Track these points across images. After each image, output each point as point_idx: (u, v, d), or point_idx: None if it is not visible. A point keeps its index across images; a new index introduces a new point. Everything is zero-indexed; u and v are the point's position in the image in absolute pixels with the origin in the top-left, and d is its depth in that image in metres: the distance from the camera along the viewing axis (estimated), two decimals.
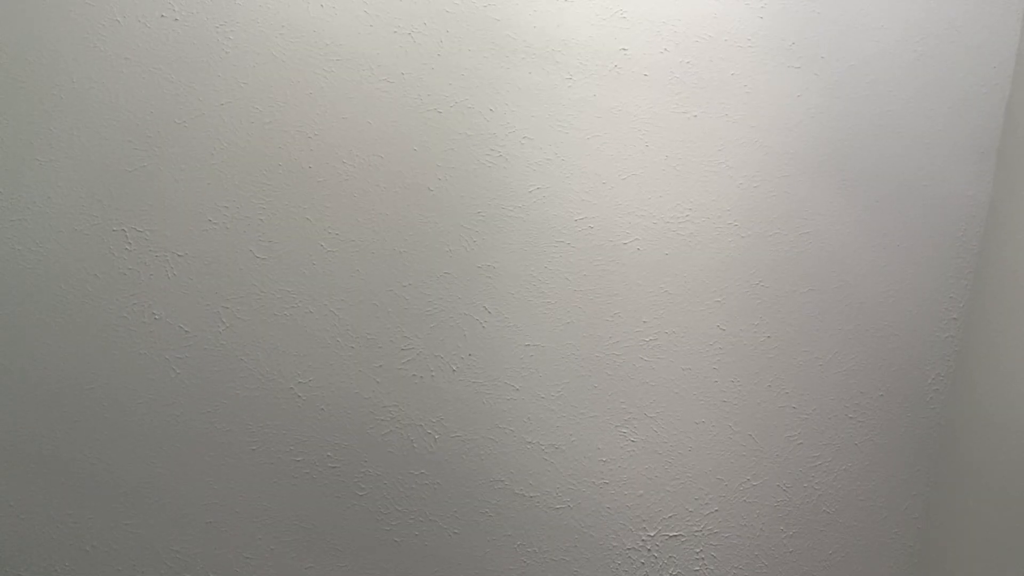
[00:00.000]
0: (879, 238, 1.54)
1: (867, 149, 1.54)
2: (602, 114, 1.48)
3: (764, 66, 1.51)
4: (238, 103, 1.41)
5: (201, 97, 1.40)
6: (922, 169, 1.55)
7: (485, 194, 1.46)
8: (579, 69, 1.47)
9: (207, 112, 1.40)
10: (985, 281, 1.54)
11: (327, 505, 1.46)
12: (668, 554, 1.54)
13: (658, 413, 1.52)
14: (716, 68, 1.50)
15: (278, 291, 1.43)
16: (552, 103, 1.47)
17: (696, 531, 1.54)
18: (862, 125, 1.53)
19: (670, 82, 1.49)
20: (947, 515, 1.54)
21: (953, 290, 1.56)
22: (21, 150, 1.37)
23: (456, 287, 1.46)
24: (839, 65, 1.52)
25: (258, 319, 1.42)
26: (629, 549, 1.53)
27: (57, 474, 1.39)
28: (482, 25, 1.45)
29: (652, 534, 1.53)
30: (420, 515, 1.48)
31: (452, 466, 1.48)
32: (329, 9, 1.42)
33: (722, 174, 1.51)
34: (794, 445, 1.55)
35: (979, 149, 1.56)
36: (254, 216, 1.42)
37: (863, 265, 1.54)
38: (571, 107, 1.47)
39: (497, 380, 1.48)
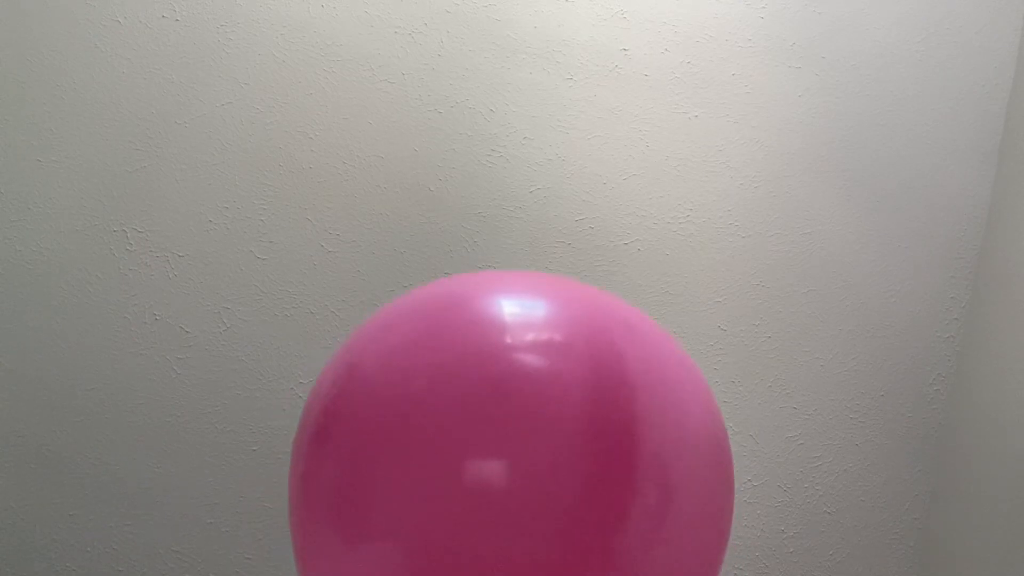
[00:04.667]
0: (880, 238, 1.54)
1: (868, 149, 1.54)
2: (603, 114, 1.48)
3: (765, 66, 1.51)
4: (239, 103, 1.41)
5: (202, 97, 1.40)
6: (923, 169, 1.55)
7: (485, 194, 1.46)
8: (580, 69, 1.47)
9: (208, 112, 1.40)
10: (986, 281, 1.54)
11: None
12: None
13: None
14: (717, 68, 1.50)
15: (278, 291, 1.43)
16: (553, 103, 1.47)
17: None
18: (863, 125, 1.53)
19: (671, 82, 1.49)
20: (947, 515, 1.53)
21: (954, 290, 1.56)
22: (21, 150, 1.37)
23: None
24: (840, 65, 1.52)
25: (258, 319, 1.42)
26: None
27: (57, 474, 1.39)
28: (483, 25, 1.45)
29: None
30: None
31: None
32: (330, 9, 1.42)
33: (723, 174, 1.51)
34: (794, 445, 1.54)
35: (980, 149, 1.55)
36: (255, 216, 1.42)
37: (864, 265, 1.54)
38: (572, 107, 1.47)
39: None
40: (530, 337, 0.85)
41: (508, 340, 0.84)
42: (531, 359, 0.83)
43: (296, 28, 1.41)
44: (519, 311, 0.87)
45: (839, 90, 1.52)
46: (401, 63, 1.44)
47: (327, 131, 1.43)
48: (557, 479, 0.80)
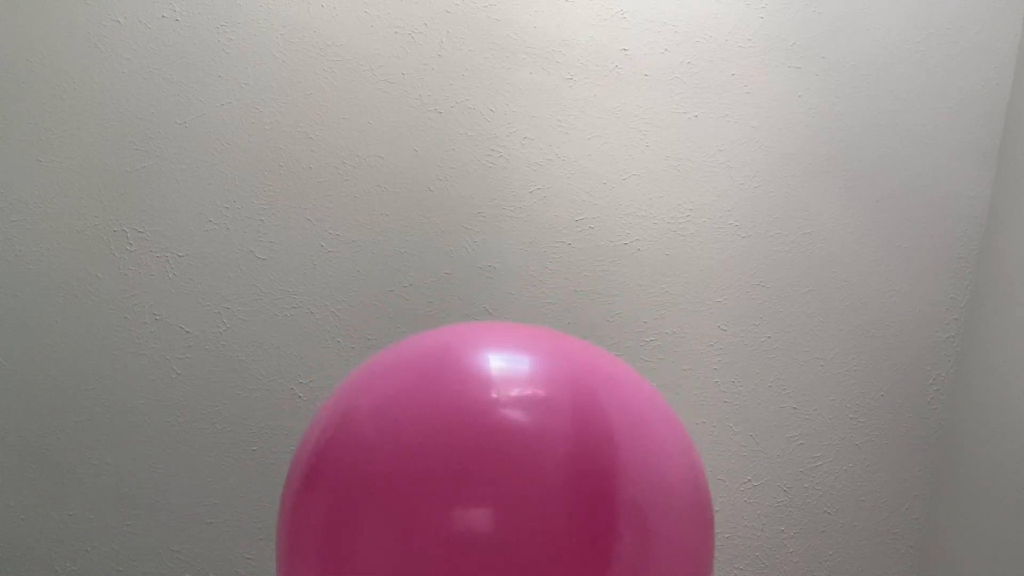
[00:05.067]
0: (880, 238, 1.54)
1: (868, 149, 1.54)
2: (603, 114, 1.48)
3: (765, 66, 1.51)
4: (239, 103, 1.41)
5: (202, 97, 1.40)
6: (923, 169, 1.55)
7: (485, 194, 1.46)
8: (580, 69, 1.47)
9: (208, 112, 1.40)
10: (986, 281, 1.54)
11: None
12: None
13: None
14: (717, 68, 1.50)
15: (278, 291, 1.43)
16: (553, 103, 1.47)
17: None
18: (863, 125, 1.53)
19: (671, 82, 1.49)
20: (947, 515, 1.53)
21: (954, 290, 1.56)
22: (21, 150, 1.37)
23: (456, 287, 1.46)
24: (840, 65, 1.52)
25: (258, 319, 1.42)
26: None
27: (57, 474, 1.39)
28: (483, 25, 1.45)
29: None
30: None
31: None
32: (330, 9, 1.42)
33: (723, 174, 1.51)
34: (794, 445, 1.54)
35: (980, 149, 1.55)
36: (255, 216, 1.42)
37: (864, 265, 1.54)
38: (572, 107, 1.47)
39: None
40: (517, 392, 0.88)
41: (495, 395, 0.87)
42: (517, 414, 0.87)
43: (296, 28, 1.41)
44: (507, 366, 0.91)
45: (839, 90, 1.52)
46: (401, 63, 1.44)
47: (327, 131, 1.43)
48: (541, 528, 0.83)
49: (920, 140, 1.54)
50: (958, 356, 1.57)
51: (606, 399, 0.90)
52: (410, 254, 1.45)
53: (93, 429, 1.40)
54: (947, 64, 1.54)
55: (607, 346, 1.49)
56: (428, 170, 1.45)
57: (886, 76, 1.53)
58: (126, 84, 1.39)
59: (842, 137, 1.53)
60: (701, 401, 1.52)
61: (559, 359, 0.93)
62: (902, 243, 1.55)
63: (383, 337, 1.44)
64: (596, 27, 1.47)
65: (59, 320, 1.39)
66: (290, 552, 0.93)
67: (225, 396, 1.42)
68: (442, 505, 0.84)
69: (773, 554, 1.55)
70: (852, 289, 1.54)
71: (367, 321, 1.44)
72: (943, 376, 1.57)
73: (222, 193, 1.41)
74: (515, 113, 1.46)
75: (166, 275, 1.41)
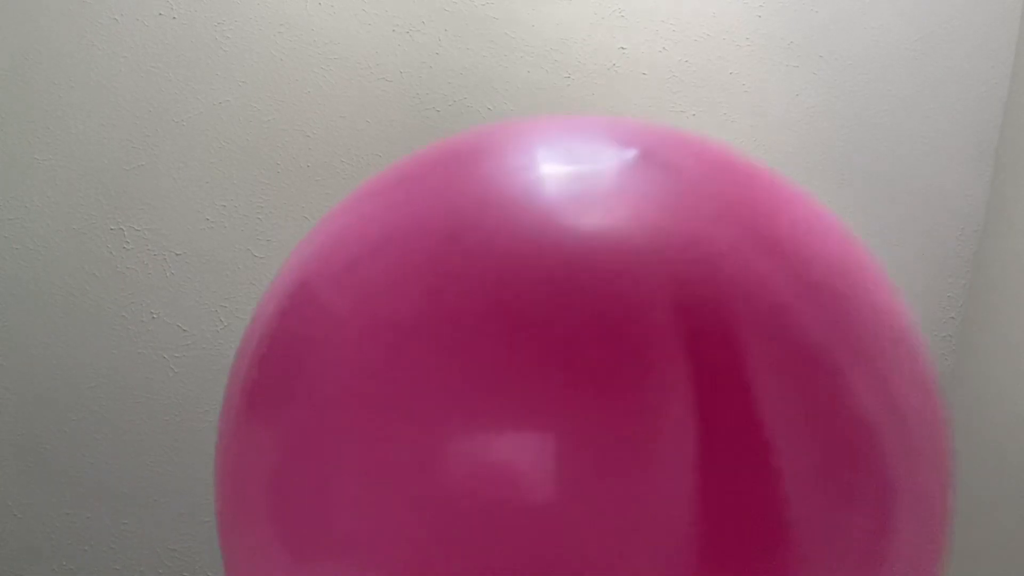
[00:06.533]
0: (877, 237, 1.55)
1: (865, 148, 1.54)
2: (601, 113, 1.48)
3: (763, 65, 1.51)
4: (236, 101, 1.40)
5: (199, 95, 1.40)
6: (920, 169, 1.55)
7: None
8: (577, 68, 1.47)
9: (205, 110, 1.40)
10: (983, 281, 1.54)
11: None
12: None
13: None
14: (714, 67, 1.50)
15: None
16: (551, 102, 1.47)
17: None
18: (861, 125, 1.53)
19: (668, 81, 1.49)
20: None
21: (951, 290, 1.57)
22: (19, 149, 1.37)
23: None
24: (838, 64, 1.52)
25: None
26: None
27: (54, 472, 1.39)
28: (480, 24, 1.45)
29: None
30: None
31: None
32: (327, 7, 1.42)
33: None
34: None
35: (978, 149, 1.56)
36: (252, 215, 1.42)
37: None
38: (569, 106, 1.47)
39: None
40: (607, 214, 0.46)
41: (570, 219, 0.46)
42: (601, 254, 0.45)
43: (293, 26, 1.41)
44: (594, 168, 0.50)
45: (837, 89, 1.53)
46: (399, 61, 1.43)
47: (324, 129, 1.42)
48: (626, 473, 0.44)
49: (917, 139, 1.55)
50: (955, 355, 1.57)
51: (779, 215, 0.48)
52: None
53: (90, 428, 1.40)
54: (945, 63, 1.55)
55: None
56: None
57: (884, 75, 1.54)
58: (123, 82, 1.38)
59: (840, 136, 1.53)
60: None
61: (708, 161, 0.50)
62: (899, 242, 1.55)
63: None
64: (594, 25, 1.47)
65: (56, 319, 1.38)
66: (233, 503, 0.59)
67: (223, 395, 1.42)
68: (459, 426, 0.45)
69: None
70: None
71: None
72: (940, 375, 1.57)
73: (219, 191, 1.41)
74: (513, 112, 1.46)
75: (163, 273, 1.40)
